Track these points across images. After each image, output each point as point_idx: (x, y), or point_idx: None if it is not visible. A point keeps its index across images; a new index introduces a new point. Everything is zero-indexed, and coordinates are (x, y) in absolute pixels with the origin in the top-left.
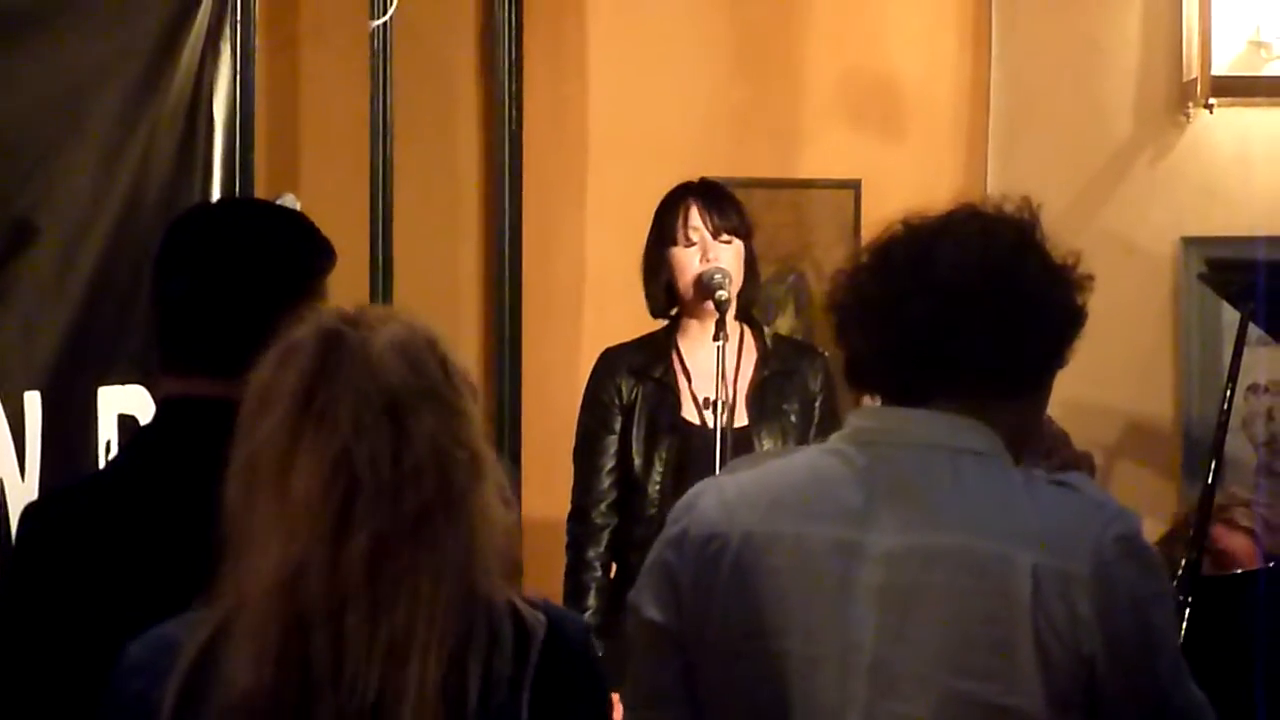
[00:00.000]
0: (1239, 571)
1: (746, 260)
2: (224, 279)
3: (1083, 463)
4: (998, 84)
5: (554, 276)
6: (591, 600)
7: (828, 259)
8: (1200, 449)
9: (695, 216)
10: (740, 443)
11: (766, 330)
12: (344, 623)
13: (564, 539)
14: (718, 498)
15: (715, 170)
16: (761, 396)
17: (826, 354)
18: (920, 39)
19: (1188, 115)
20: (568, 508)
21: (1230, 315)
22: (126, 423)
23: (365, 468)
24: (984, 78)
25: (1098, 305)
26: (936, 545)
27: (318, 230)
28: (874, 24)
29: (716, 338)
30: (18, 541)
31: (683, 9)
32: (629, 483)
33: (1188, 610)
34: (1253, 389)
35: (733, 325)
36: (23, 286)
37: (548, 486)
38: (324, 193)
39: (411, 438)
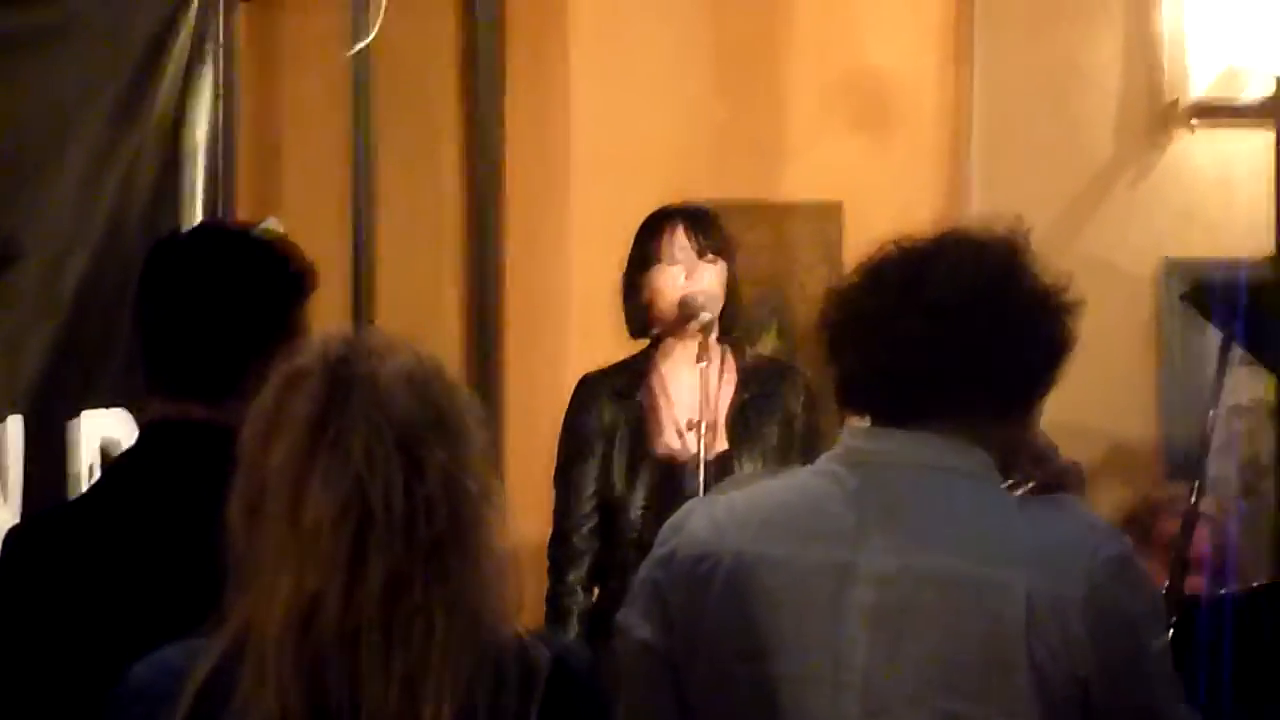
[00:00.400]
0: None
1: (729, 282)
2: (207, 303)
3: (1071, 473)
4: (979, 106)
5: (537, 300)
6: (573, 624)
7: (810, 280)
8: (1183, 470)
9: (681, 236)
10: (721, 467)
11: (747, 351)
12: (359, 655)
13: (544, 562)
14: (708, 518)
15: (697, 192)
16: (743, 420)
17: (808, 373)
18: (902, 61)
19: (1169, 137)
20: (549, 530)
21: (1212, 336)
22: (109, 446)
23: (379, 500)
24: (966, 100)
25: (1079, 327)
26: (929, 567)
27: (298, 254)
28: (856, 46)
29: (700, 360)
30: (4, 565)
31: (664, 31)
32: (610, 507)
33: (1171, 631)
34: (1234, 410)
35: (714, 348)
36: (5, 310)
37: (531, 510)
38: (305, 217)
39: (424, 470)
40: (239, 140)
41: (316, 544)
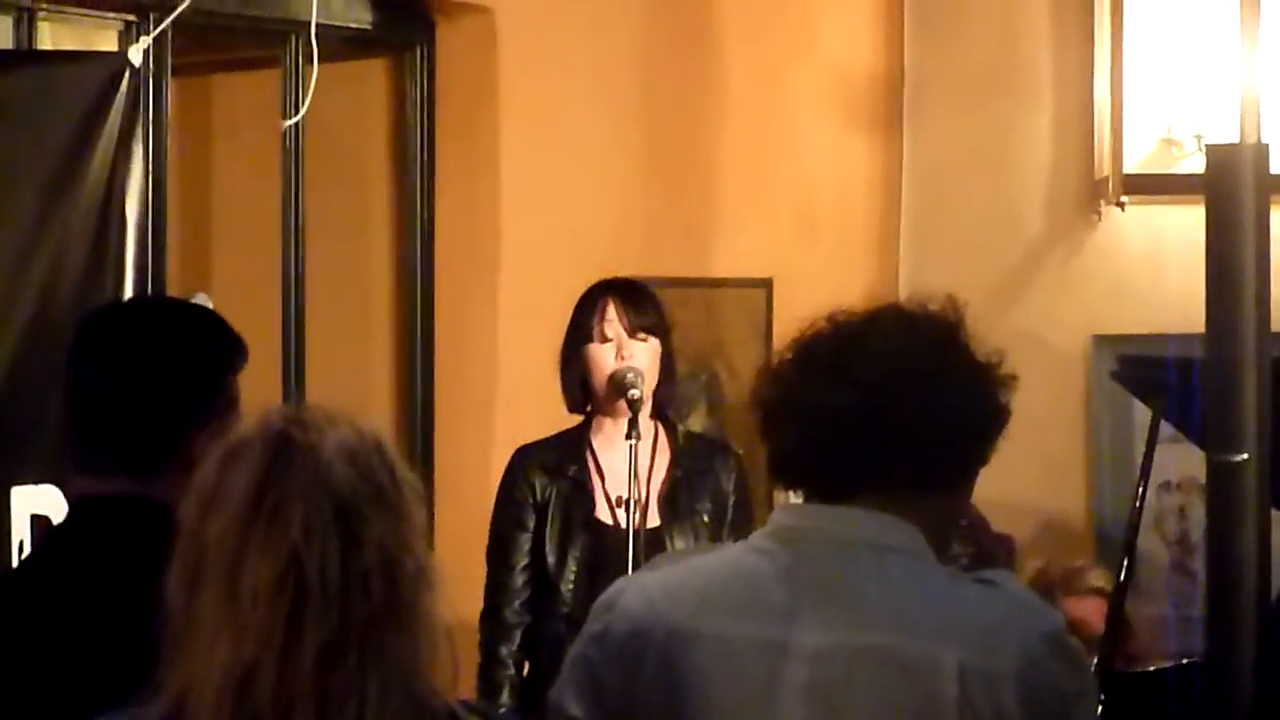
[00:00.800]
0: (1151, 669)
1: (663, 359)
2: (136, 376)
3: (1002, 546)
4: (909, 183)
5: (466, 375)
6: (505, 698)
7: (740, 357)
8: (1112, 546)
9: (612, 313)
10: (652, 543)
11: (680, 428)
12: None
13: (477, 638)
14: (641, 595)
15: (628, 269)
16: (674, 497)
17: (740, 451)
18: (831, 138)
19: (1099, 213)
20: (480, 605)
21: (1142, 413)
22: (40, 522)
23: (315, 574)
24: (895, 176)
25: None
26: (862, 644)
27: (230, 327)
28: (787, 125)
29: (629, 436)
30: None
31: (595, 109)
32: (542, 581)
33: (1101, 708)
34: (1164, 486)
35: (647, 424)
36: None
37: (461, 585)
38: (236, 292)
39: (361, 544)
40: (170, 215)
41: (253, 614)
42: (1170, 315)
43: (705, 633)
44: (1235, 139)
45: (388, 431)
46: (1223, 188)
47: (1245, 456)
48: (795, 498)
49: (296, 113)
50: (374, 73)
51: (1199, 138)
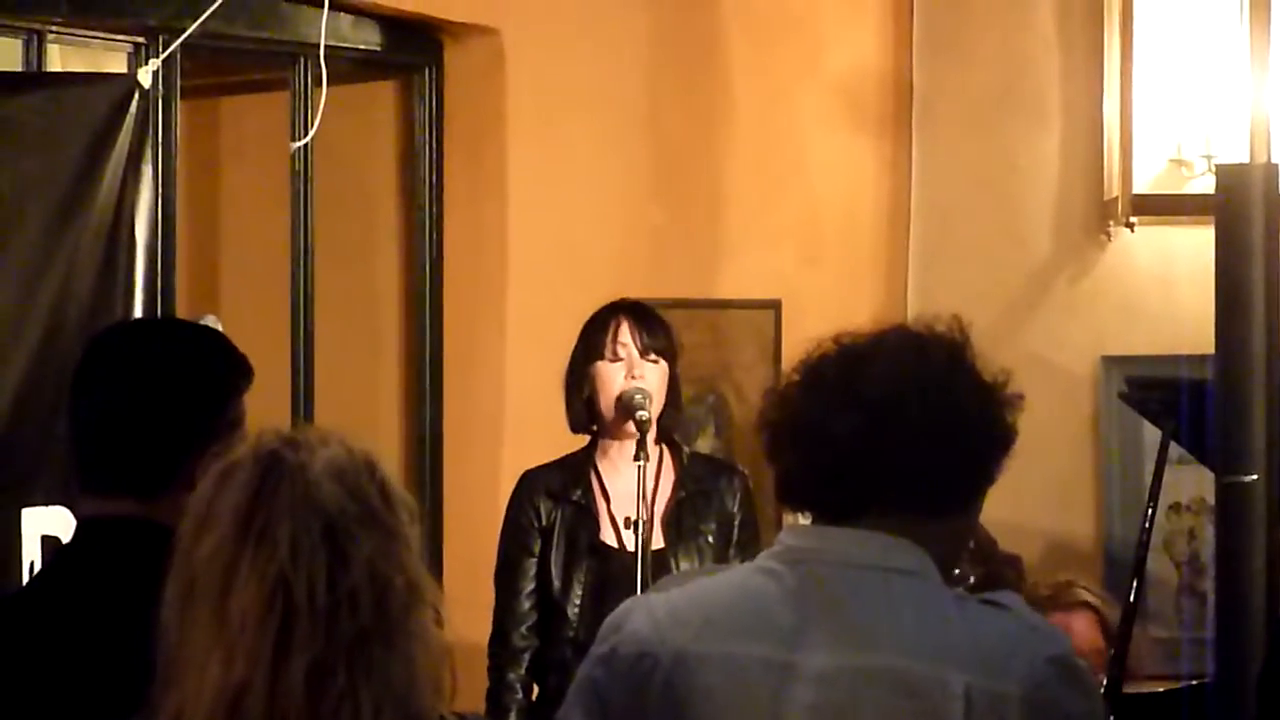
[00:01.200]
0: (1162, 690)
1: (670, 383)
2: (140, 397)
3: (1011, 566)
4: (918, 204)
5: (474, 398)
6: None
7: (748, 379)
8: (1122, 568)
9: (625, 333)
10: (658, 565)
11: (685, 450)
12: None
13: (485, 660)
14: (648, 616)
15: (635, 291)
16: (678, 519)
17: (746, 471)
18: (839, 159)
19: (1108, 234)
20: (489, 629)
21: (1151, 434)
22: (50, 543)
23: (302, 593)
24: (904, 198)
25: (1019, 425)
26: (868, 665)
27: (235, 348)
28: (794, 146)
29: (637, 458)
30: None
31: (602, 131)
32: (548, 605)
33: None
34: (1174, 508)
35: (652, 447)
36: None
37: (469, 608)
38: (245, 314)
39: (349, 563)
40: (179, 237)
41: (242, 635)
42: (1180, 336)
43: (711, 654)
44: (1245, 159)
45: (397, 453)
46: (1232, 208)
47: (1255, 477)
48: (804, 519)
49: (305, 134)
50: (382, 95)
51: (1209, 158)
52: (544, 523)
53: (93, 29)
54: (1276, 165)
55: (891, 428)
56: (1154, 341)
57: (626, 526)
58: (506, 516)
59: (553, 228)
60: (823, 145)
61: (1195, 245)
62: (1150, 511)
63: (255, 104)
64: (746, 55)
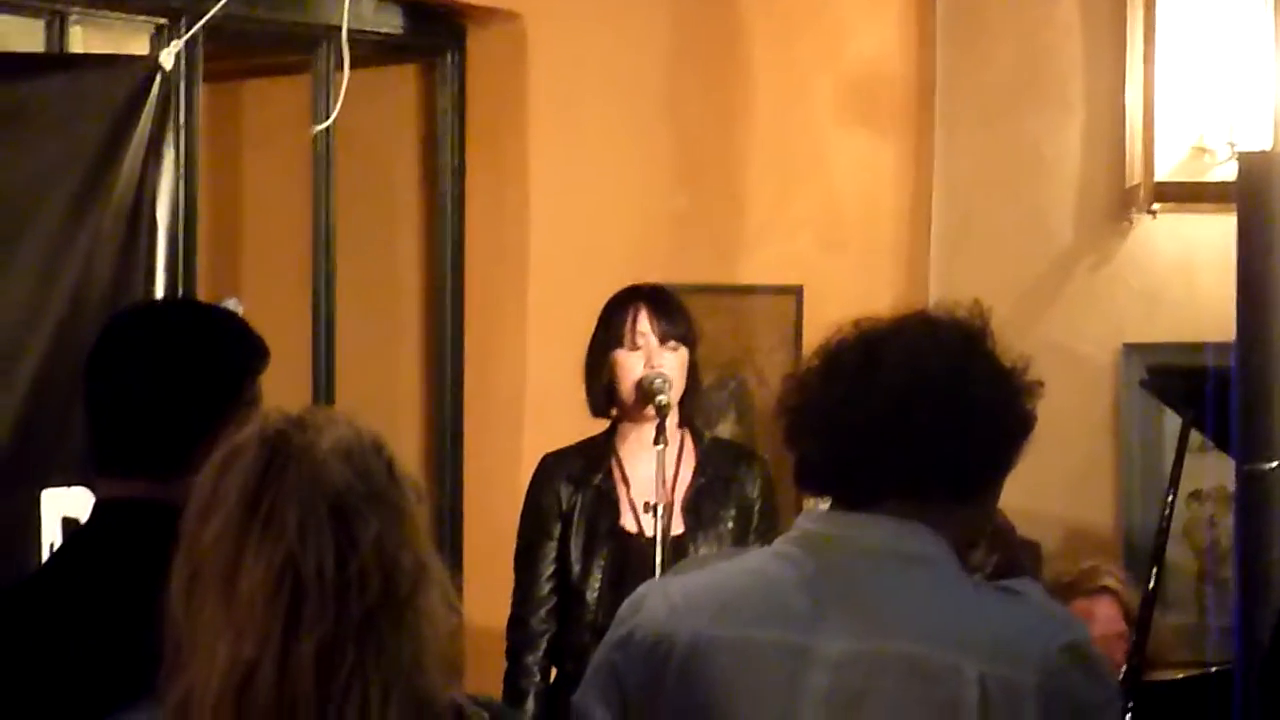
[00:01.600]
0: (1181, 677)
1: (690, 369)
2: (156, 379)
3: (1029, 553)
4: (939, 191)
5: (495, 383)
6: (530, 705)
7: (769, 365)
8: (1141, 555)
9: (644, 321)
10: (677, 551)
11: (705, 436)
12: None
13: (504, 643)
14: (664, 600)
15: (656, 276)
16: (698, 504)
17: (766, 458)
18: (860, 146)
19: (1130, 221)
20: (508, 612)
21: (1172, 422)
22: (70, 524)
23: (311, 573)
24: (925, 184)
25: (1039, 412)
26: (884, 652)
27: (251, 329)
28: (816, 132)
29: (657, 441)
30: None
31: (623, 117)
32: (567, 589)
33: (1129, 716)
34: (1195, 496)
35: (673, 432)
36: None
37: (489, 592)
38: (266, 297)
39: (356, 543)
40: (200, 220)
41: (250, 616)
42: (1201, 323)
43: (727, 639)
44: (1267, 146)
45: (416, 439)
46: (1254, 195)
47: (1276, 465)
48: (823, 504)
49: (327, 118)
50: (404, 79)
51: (1231, 145)
52: (564, 507)
53: (115, 10)
54: None
55: (909, 415)
56: (1175, 329)
57: (646, 511)
58: (527, 500)
59: (574, 213)
60: (844, 131)
61: (1217, 233)
62: (1170, 499)
63: (277, 87)
64: (768, 41)
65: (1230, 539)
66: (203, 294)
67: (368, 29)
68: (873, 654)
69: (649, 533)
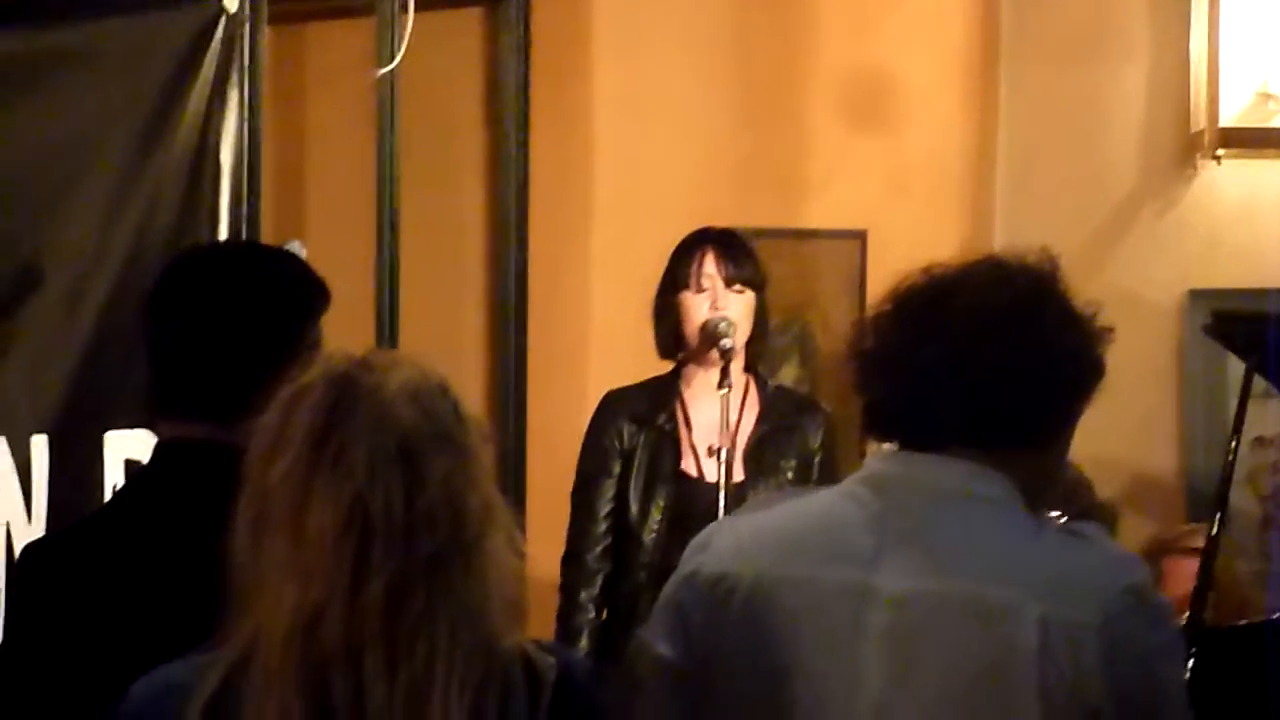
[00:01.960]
0: (1243, 623)
1: (757, 313)
2: (217, 321)
3: (1103, 512)
4: (1004, 137)
5: (559, 327)
6: (584, 643)
7: (833, 309)
8: (1205, 502)
9: (710, 264)
10: (736, 497)
11: (770, 384)
12: (363, 667)
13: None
14: (733, 538)
15: (720, 219)
16: (759, 452)
17: (829, 410)
18: (928, 92)
19: (1195, 167)
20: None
21: (1236, 368)
22: (133, 466)
23: (379, 513)
24: (991, 131)
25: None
26: (944, 591)
27: (311, 270)
28: (880, 76)
29: (721, 386)
30: (14, 583)
31: (688, 61)
32: (624, 530)
33: (1191, 661)
34: (1258, 442)
35: (738, 377)
36: (30, 331)
37: (551, 535)
38: (330, 240)
39: (425, 482)
40: (264, 164)
41: (319, 556)
42: (1266, 269)
43: (791, 576)
44: None
45: (481, 380)
46: None
47: None
48: (890, 449)
49: (391, 61)
50: (469, 22)
51: None
52: (625, 446)
53: None
54: None
55: (974, 358)
56: (1239, 275)
57: (710, 455)
58: (588, 436)
59: (638, 155)
60: (910, 76)
61: None
62: (1234, 445)
63: (341, 30)
64: None
65: None
66: (266, 237)
67: None
68: (934, 593)
69: (709, 477)
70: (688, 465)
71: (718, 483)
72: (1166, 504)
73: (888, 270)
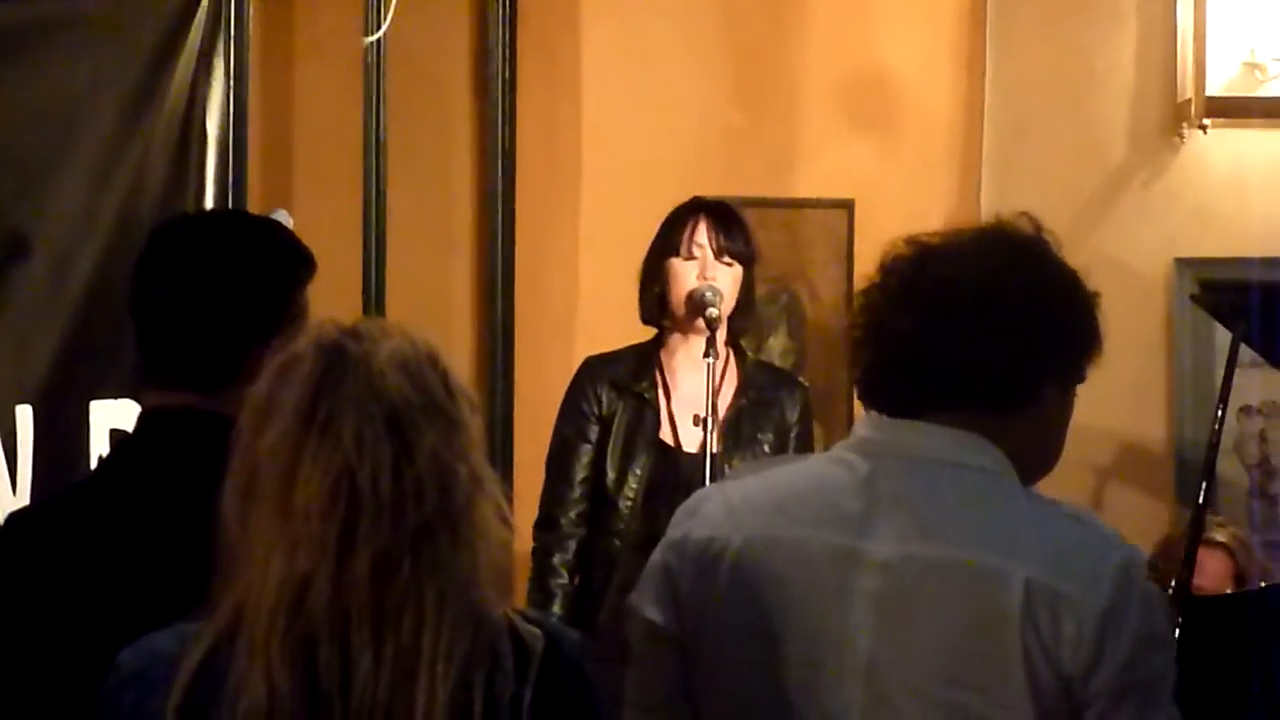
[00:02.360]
0: (1230, 593)
1: (743, 287)
2: (201, 290)
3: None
4: (992, 105)
5: (546, 295)
6: (556, 608)
7: (821, 279)
8: (1193, 471)
9: (702, 233)
10: (712, 469)
11: (749, 357)
12: (349, 638)
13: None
14: (722, 503)
15: (708, 190)
16: (737, 425)
17: (807, 384)
18: (914, 60)
19: (1182, 136)
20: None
21: (1223, 337)
22: (119, 436)
23: (367, 484)
24: (978, 99)
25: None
26: (933, 556)
27: (298, 240)
28: (868, 45)
29: (707, 354)
30: None
31: (677, 29)
32: (600, 496)
33: (1178, 630)
34: (1245, 411)
35: (721, 347)
36: (16, 300)
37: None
38: (317, 209)
39: (413, 453)
40: (251, 132)
41: (307, 527)
42: (1253, 238)
43: (781, 540)
44: None
45: (468, 350)
46: None
47: None
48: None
49: (378, 29)
50: None
51: None
52: (604, 411)
53: None
54: None
55: (945, 323)
56: (1226, 244)
57: (695, 424)
58: (566, 400)
59: (626, 125)
60: (898, 46)
61: (1268, 148)
62: (1220, 414)
63: None
64: None
65: None
66: (253, 206)
67: None
68: (921, 558)
69: (687, 447)
70: (666, 434)
71: (696, 453)
72: (1155, 472)
73: (875, 240)
